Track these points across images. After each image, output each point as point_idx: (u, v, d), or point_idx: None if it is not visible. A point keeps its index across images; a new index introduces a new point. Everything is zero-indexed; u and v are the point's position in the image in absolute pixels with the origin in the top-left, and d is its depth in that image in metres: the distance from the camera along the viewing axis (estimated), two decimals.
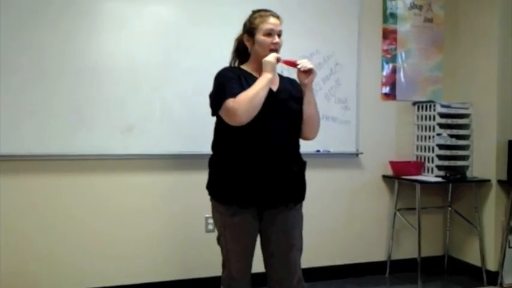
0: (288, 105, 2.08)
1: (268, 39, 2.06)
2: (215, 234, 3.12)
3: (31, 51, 2.76)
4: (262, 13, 2.11)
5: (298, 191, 2.15)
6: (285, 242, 2.10)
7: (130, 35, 2.95)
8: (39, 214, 2.84)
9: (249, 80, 2.04)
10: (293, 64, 2.08)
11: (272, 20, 2.08)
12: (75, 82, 2.85)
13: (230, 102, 1.95)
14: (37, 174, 2.83)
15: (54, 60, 2.81)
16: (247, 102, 1.93)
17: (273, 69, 2.03)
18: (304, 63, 2.06)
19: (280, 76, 2.20)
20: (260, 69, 2.06)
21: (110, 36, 2.92)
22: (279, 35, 2.09)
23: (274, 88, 2.08)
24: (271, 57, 2.03)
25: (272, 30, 2.06)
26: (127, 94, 2.95)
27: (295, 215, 2.13)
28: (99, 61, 2.89)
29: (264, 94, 1.97)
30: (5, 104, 2.72)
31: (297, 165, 2.13)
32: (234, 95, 1.96)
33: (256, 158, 2.00)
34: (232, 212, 2.04)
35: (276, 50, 2.07)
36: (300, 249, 2.15)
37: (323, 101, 3.39)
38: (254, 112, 1.95)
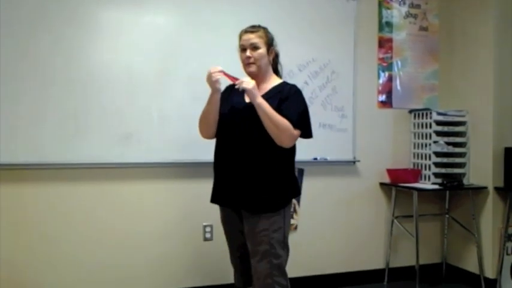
0: (251, 115, 2.15)
1: (242, 55, 2.26)
2: (213, 242, 3.14)
3: (28, 60, 2.76)
4: (241, 31, 2.28)
5: (258, 199, 2.17)
6: (251, 248, 2.23)
7: (128, 43, 2.96)
8: (36, 223, 2.83)
9: (232, 93, 2.30)
10: (234, 80, 2.18)
11: (244, 36, 2.25)
12: (72, 91, 2.85)
13: None
14: (34, 183, 2.82)
15: (51, 69, 2.81)
16: (199, 120, 2.33)
17: (212, 88, 2.19)
18: (240, 83, 2.12)
19: (272, 88, 2.27)
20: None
21: (107, 45, 2.93)
22: (254, 48, 2.22)
23: (248, 100, 2.18)
24: (208, 74, 2.17)
25: (243, 45, 2.25)
26: (124, 103, 2.95)
27: (265, 222, 2.17)
28: (96, 70, 2.90)
29: (207, 111, 2.25)
30: (1, 113, 2.72)
31: (260, 172, 2.17)
32: None
33: (220, 159, 2.29)
34: (219, 208, 2.41)
35: (250, 64, 2.23)
36: (272, 256, 2.18)
37: (320, 109, 3.41)
38: (205, 128, 2.31)
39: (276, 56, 2.38)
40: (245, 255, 2.31)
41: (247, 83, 2.10)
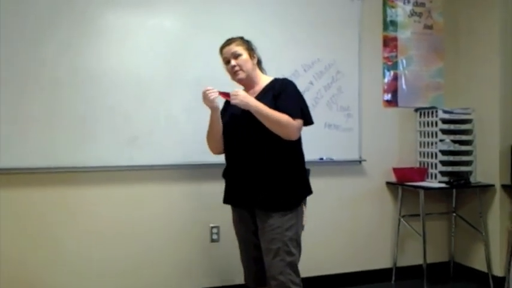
0: (248, 118, 2.21)
1: (228, 67, 2.35)
2: (220, 244, 3.15)
3: (35, 63, 2.78)
4: (219, 48, 2.36)
5: (271, 197, 2.23)
6: (264, 246, 2.27)
7: (135, 46, 2.98)
8: (45, 227, 2.84)
9: (228, 105, 2.34)
10: (228, 96, 2.23)
11: (224, 50, 2.34)
12: (80, 94, 2.86)
13: None
14: (42, 187, 2.84)
15: (59, 73, 2.82)
16: (206, 139, 2.43)
17: (210, 106, 2.29)
18: (232, 98, 2.19)
19: (264, 88, 2.34)
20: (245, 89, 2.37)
21: (114, 48, 2.94)
22: (236, 56, 2.29)
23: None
24: (204, 94, 2.27)
25: (226, 58, 2.34)
26: (132, 105, 2.96)
27: (278, 220, 2.22)
28: (104, 73, 2.91)
29: (211, 129, 2.36)
30: (9, 116, 2.74)
31: (266, 172, 2.23)
32: None
33: (229, 164, 2.39)
34: (231, 208, 2.48)
35: (237, 72, 2.30)
36: (285, 254, 2.22)
37: (325, 109, 3.41)
38: (213, 145, 2.41)
39: (259, 61, 2.44)
40: (259, 257, 2.33)
41: (234, 97, 2.18)
